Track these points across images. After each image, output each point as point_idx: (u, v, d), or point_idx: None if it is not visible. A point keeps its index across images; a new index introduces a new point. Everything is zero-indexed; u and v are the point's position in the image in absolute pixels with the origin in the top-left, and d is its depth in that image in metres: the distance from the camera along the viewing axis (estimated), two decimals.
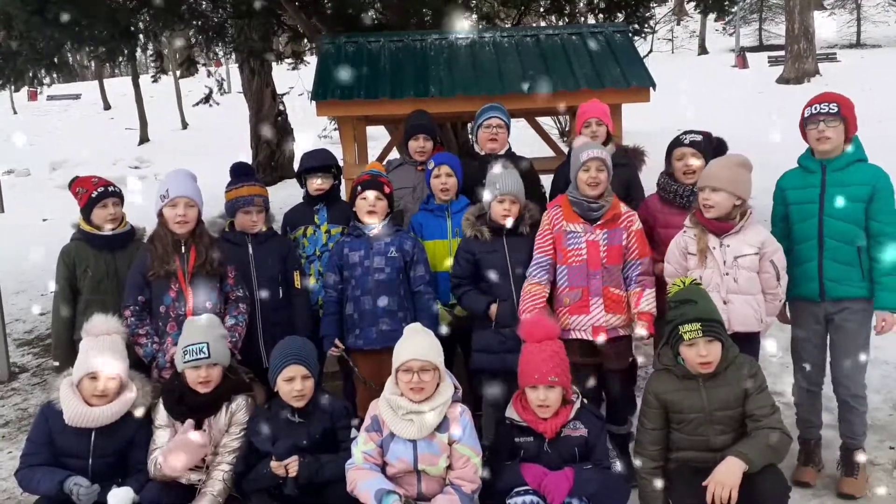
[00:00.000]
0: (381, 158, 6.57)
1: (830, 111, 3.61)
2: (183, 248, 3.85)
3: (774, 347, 4.30)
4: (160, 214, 3.87)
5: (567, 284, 3.79)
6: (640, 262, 3.82)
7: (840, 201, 3.60)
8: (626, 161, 4.39)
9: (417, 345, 3.33)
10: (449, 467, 3.29)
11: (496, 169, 4.00)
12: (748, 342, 3.63)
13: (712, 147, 4.05)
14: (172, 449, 3.38)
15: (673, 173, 4.04)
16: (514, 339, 3.72)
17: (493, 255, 3.92)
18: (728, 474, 2.99)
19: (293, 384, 3.41)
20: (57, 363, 4.15)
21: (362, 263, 4.03)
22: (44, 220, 12.56)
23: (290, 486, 3.30)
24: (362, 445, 3.32)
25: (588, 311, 3.73)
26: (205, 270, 3.84)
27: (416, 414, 3.26)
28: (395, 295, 4.02)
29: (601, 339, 3.72)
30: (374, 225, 4.06)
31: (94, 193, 4.14)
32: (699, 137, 4.00)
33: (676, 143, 4.04)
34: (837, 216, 3.62)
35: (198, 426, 3.51)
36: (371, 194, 4.05)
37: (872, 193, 3.59)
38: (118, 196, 4.21)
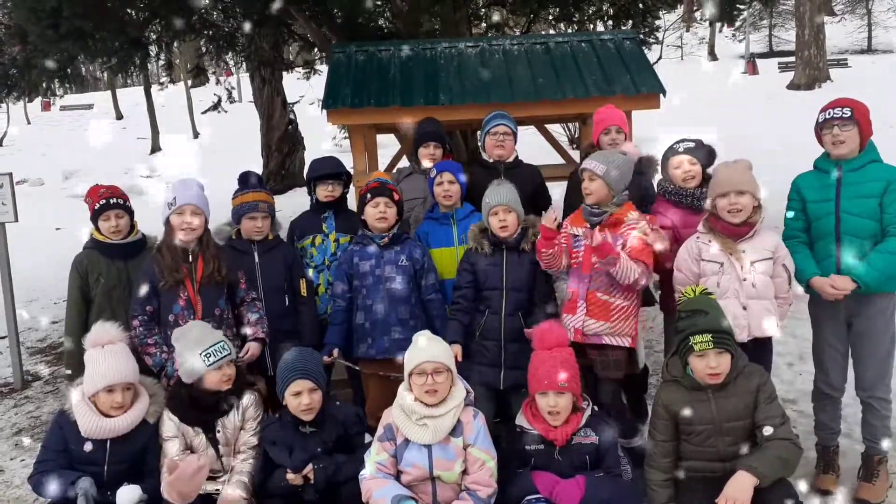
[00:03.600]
0: (390, 167, 6.58)
1: (844, 115, 3.62)
2: (190, 257, 3.85)
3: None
4: (167, 223, 3.87)
5: (569, 284, 3.84)
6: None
7: (856, 198, 3.59)
8: (641, 170, 4.36)
9: (428, 347, 3.33)
10: (464, 472, 3.28)
11: (488, 188, 3.99)
12: (762, 349, 3.60)
13: (705, 153, 4.05)
14: (174, 483, 3.24)
15: (671, 181, 4.04)
16: (496, 352, 3.83)
17: (491, 269, 3.90)
18: (739, 489, 2.96)
19: (301, 398, 3.39)
20: (69, 371, 4.17)
21: (373, 272, 4.02)
22: (57, 228, 12.66)
23: (310, 493, 3.31)
24: (375, 456, 3.31)
25: (574, 313, 3.75)
26: (213, 279, 3.85)
27: (430, 418, 3.26)
28: (406, 304, 4.02)
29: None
30: (385, 233, 4.05)
31: (97, 205, 4.16)
32: (692, 144, 4.01)
33: (671, 152, 4.05)
34: (854, 212, 3.61)
35: (210, 428, 3.52)
36: (381, 201, 4.04)
37: (886, 187, 3.58)
38: (121, 207, 4.20)
